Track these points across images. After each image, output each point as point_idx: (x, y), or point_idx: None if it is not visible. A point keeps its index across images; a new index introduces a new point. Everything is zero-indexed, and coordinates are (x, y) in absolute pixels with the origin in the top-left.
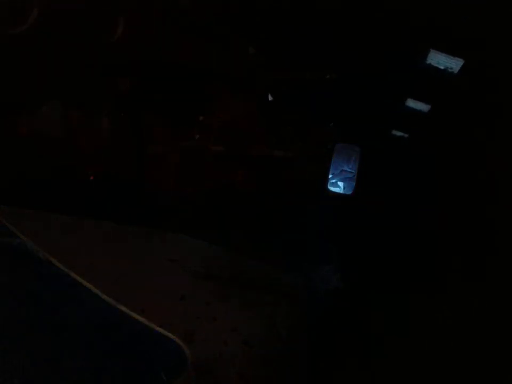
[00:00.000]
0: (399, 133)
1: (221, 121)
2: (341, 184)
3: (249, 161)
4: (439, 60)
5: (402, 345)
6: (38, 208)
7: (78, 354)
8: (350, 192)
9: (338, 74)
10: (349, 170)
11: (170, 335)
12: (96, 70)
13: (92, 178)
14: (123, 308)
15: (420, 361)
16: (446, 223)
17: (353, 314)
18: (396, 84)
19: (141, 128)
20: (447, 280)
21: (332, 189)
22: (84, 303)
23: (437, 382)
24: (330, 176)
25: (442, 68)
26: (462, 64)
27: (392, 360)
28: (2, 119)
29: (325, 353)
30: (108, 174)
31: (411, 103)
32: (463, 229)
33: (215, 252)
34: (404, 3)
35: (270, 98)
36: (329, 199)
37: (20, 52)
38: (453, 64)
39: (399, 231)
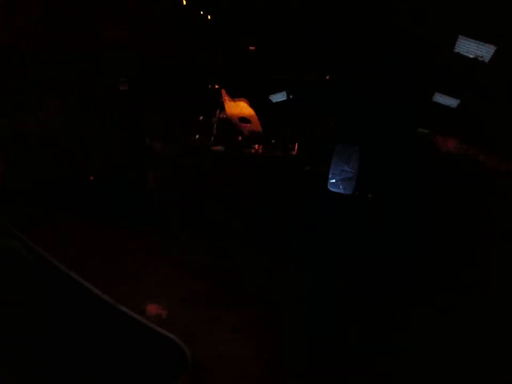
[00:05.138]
0: (425, 130)
1: (221, 121)
2: (341, 184)
3: (249, 161)
4: (468, 47)
5: (403, 344)
6: (39, 208)
7: (78, 354)
8: (350, 192)
9: (343, 75)
10: (349, 170)
11: (170, 335)
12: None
13: (91, 178)
14: (123, 308)
15: (420, 360)
16: (446, 225)
17: (353, 313)
18: (422, 77)
19: (142, 128)
20: (447, 280)
21: (332, 189)
22: (84, 303)
23: (437, 380)
24: (330, 176)
25: (472, 56)
26: (494, 51)
27: (393, 359)
28: (2, 119)
29: (325, 353)
30: (108, 174)
31: (439, 97)
32: (463, 231)
33: (216, 252)
34: None
35: (270, 98)
36: (329, 199)
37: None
38: (484, 51)
39: (399, 231)
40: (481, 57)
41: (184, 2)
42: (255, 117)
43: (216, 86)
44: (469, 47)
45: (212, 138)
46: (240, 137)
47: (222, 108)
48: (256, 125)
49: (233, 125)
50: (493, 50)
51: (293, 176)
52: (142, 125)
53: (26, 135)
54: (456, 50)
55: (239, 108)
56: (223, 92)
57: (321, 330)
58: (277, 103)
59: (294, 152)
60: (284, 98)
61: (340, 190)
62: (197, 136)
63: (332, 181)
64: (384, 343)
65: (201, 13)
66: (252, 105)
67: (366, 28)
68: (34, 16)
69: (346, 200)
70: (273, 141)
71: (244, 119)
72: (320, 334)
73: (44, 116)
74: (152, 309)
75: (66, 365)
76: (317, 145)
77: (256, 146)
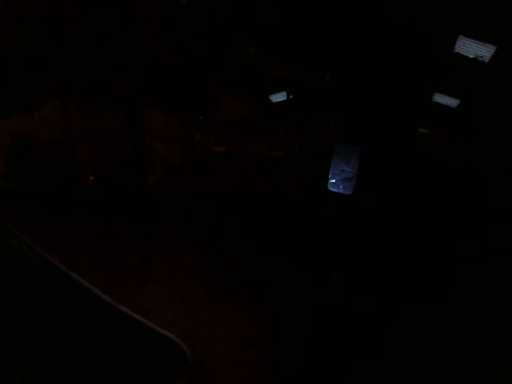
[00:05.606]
0: (425, 130)
1: (221, 121)
2: (341, 184)
3: (249, 161)
4: (468, 47)
5: (403, 344)
6: (39, 208)
7: (78, 354)
8: (350, 192)
9: (343, 75)
10: (349, 170)
11: (170, 335)
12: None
13: (91, 178)
14: (123, 308)
15: (420, 359)
16: (446, 225)
17: (353, 313)
18: (422, 77)
19: (141, 128)
20: (447, 280)
21: (332, 189)
22: (84, 303)
23: (438, 380)
24: (330, 176)
25: (472, 56)
26: (493, 51)
27: (394, 359)
28: (1, 119)
29: (325, 353)
30: (108, 174)
31: (439, 97)
32: (463, 231)
33: (216, 252)
34: None
35: (270, 98)
36: (329, 199)
37: (21, 52)
38: (484, 51)
39: (399, 231)
40: (481, 57)
41: (184, 3)
42: (255, 117)
43: (216, 86)
44: (469, 47)
45: (212, 138)
46: (240, 137)
47: (222, 108)
48: (256, 125)
49: (233, 125)
50: (493, 50)
51: (293, 176)
52: (142, 125)
53: (25, 135)
54: (456, 50)
55: (239, 107)
56: (223, 92)
57: (322, 331)
58: (277, 103)
59: (294, 152)
60: (284, 98)
61: (340, 190)
62: (197, 136)
63: (331, 181)
64: (384, 343)
65: (201, 12)
66: (252, 105)
67: (366, 28)
68: (34, 16)
69: (346, 200)
70: (273, 141)
71: (245, 119)
72: (321, 334)
73: (44, 116)
74: (152, 308)
75: (66, 365)
76: (317, 145)
77: (256, 146)
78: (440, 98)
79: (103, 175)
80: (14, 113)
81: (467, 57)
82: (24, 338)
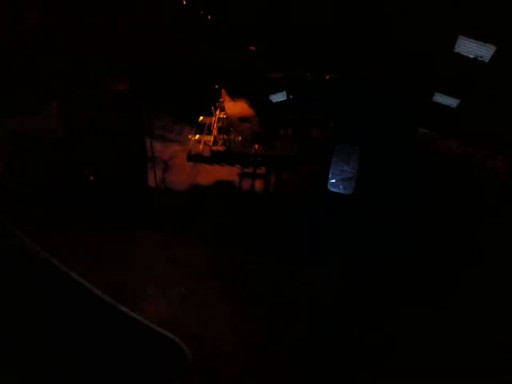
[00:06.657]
0: (425, 130)
1: (221, 121)
2: (341, 184)
3: (248, 161)
4: (468, 47)
5: (403, 344)
6: (39, 208)
7: (78, 354)
8: (350, 192)
9: (343, 75)
10: (349, 170)
11: (170, 335)
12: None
13: (91, 178)
14: (123, 308)
15: (420, 359)
16: (446, 224)
17: (353, 313)
18: (422, 77)
19: (141, 128)
20: (447, 280)
21: (332, 189)
22: (84, 303)
23: (439, 380)
24: (330, 176)
25: (472, 56)
26: (493, 51)
27: (394, 358)
28: (2, 118)
29: (326, 352)
30: (108, 174)
31: (439, 97)
32: (463, 231)
33: (216, 251)
34: None
35: (270, 98)
36: (329, 199)
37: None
38: (484, 51)
39: (398, 232)
40: (481, 57)
41: (184, 3)
42: (255, 117)
43: (216, 86)
44: (469, 47)
45: (212, 138)
46: (240, 137)
47: (222, 108)
48: (256, 125)
49: (233, 125)
50: (493, 50)
51: (293, 176)
52: (142, 125)
53: (25, 135)
54: (456, 50)
55: (239, 108)
56: (223, 92)
57: (322, 330)
58: (277, 103)
59: (294, 152)
60: (284, 98)
61: (340, 190)
62: (197, 136)
63: (332, 181)
64: (384, 343)
65: (201, 12)
66: (252, 105)
67: (366, 28)
68: (34, 17)
69: (346, 200)
70: (273, 141)
71: (244, 119)
72: (321, 334)
73: (44, 116)
74: (152, 309)
75: (66, 365)
76: (317, 145)
77: (256, 146)
78: (440, 98)
79: (103, 175)
80: (14, 113)
81: (467, 57)
82: (24, 338)
